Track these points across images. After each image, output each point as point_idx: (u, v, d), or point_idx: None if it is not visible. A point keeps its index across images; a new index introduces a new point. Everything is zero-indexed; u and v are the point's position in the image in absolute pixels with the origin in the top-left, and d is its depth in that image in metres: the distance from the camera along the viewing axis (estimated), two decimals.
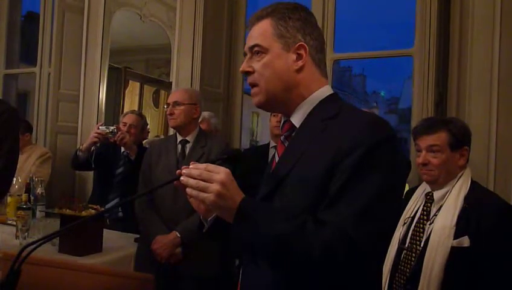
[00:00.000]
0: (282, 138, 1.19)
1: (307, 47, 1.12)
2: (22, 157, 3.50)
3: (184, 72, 3.69)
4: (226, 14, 3.88)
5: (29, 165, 3.48)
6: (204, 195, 1.00)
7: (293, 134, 1.15)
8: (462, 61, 2.85)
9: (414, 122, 3.05)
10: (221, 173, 1.01)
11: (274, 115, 2.79)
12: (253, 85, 1.15)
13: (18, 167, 3.15)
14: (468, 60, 2.80)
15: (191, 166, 1.03)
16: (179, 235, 2.36)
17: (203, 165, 1.02)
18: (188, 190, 1.02)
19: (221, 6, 3.84)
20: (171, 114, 2.50)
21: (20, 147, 3.50)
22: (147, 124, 3.52)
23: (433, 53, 2.93)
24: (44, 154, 3.63)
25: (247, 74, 1.15)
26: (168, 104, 2.54)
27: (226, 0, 3.88)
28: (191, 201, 1.11)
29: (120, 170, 3.18)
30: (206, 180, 1.00)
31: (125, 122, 3.27)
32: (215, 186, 0.99)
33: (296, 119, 1.15)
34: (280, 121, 2.80)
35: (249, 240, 1.01)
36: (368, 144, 0.98)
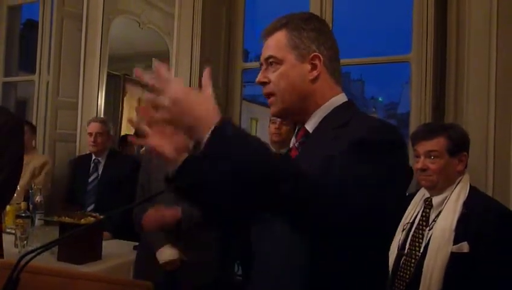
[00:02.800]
0: (296, 144, 1.20)
1: (321, 57, 1.14)
2: None
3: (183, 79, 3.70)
4: (224, 21, 3.89)
5: (27, 172, 3.47)
6: (166, 91, 0.90)
7: (306, 141, 1.17)
8: (460, 65, 2.86)
9: (412, 127, 3.05)
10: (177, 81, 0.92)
11: (273, 122, 2.80)
12: (270, 95, 1.17)
13: None
14: (466, 65, 2.81)
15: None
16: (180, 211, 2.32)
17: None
18: (146, 95, 0.93)
19: (219, 13, 3.86)
20: None
21: (26, 148, 3.54)
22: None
23: (430, 58, 2.95)
24: (44, 164, 3.62)
25: (263, 84, 1.17)
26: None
27: (224, 7, 3.89)
28: (156, 147, 1.01)
29: (92, 177, 3.31)
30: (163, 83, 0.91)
31: (90, 132, 3.32)
32: (177, 83, 0.91)
33: (310, 126, 1.16)
34: (279, 128, 2.83)
35: (228, 159, 0.87)
36: (371, 139, 0.96)
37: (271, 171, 0.86)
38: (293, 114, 1.19)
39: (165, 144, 1.02)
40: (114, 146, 5.17)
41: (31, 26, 6.80)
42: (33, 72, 4.74)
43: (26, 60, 5.52)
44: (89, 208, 3.18)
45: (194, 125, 0.89)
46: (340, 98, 1.17)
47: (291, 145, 1.23)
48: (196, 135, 0.90)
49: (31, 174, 3.46)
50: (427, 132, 1.86)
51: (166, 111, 0.89)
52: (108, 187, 3.22)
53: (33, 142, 3.90)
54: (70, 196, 3.38)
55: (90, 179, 3.32)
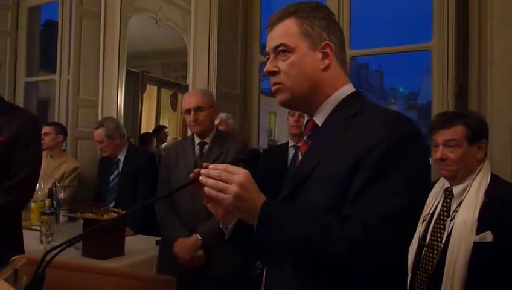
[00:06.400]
0: (305, 137, 1.19)
1: (332, 46, 1.12)
2: (51, 164, 3.60)
3: (200, 75, 3.71)
4: (241, 16, 3.88)
5: (57, 175, 3.55)
6: (223, 196, 0.99)
7: (316, 133, 1.15)
8: (482, 52, 2.79)
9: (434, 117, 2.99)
10: (240, 174, 1.00)
11: (291, 115, 2.79)
12: (277, 84, 1.14)
13: (47, 173, 3.27)
14: (489, 51, 2.74)
15: (210, 166, 1.03)
16: (200, 237, 2.36)
17: (223, 166, 1.02)
18: (206, 189, 1.01)
19: (235, 8, 3.85)
20: (195, 121, 2.42)
21: (51, 147, 3.62)
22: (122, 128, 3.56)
23: (452, 46, 2.87)
24: (74, 169, 3.70)
25: (272, 74, 1.14)
26: (188, 110, 2.44)
27: (240, 2, 3.88)
28: (208, 206, 1.12)
29: (113, 175, 3.41)
30: (225, 181, 1.00)
31: (96, 140, 3.43)
32: (233, 187, 0.99)
33: (319, 119, 1.14)
34: (297, 121, 2.82)
35: (272, 243, 1.00)
36: (390, 139, 0.97)
37: (315, 250, 0.95)
38: (300, 103, 1.17)
39: (218, 208, 1.13)
40: (133, 141, 5.27)
41: (50, 27, 6.91)
42: (54, 71, 4.81)
43: (46, 60, 5.62)
44: (111, 205, 3.24)
45: (244, 215, 1.04)
46: (348, 89, 1.15)
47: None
48: (247, 219, 1.04)
49: (60, 177, 3.54)
50: (444, 121, 1.82)
51: (228, 203, 1.00)
52: (128, 182, 3.32)
53: (64, 144, 3.98)
54: (97, 195, 3.47)
55: (111, 177, 3.42)
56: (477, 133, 1.77)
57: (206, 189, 1.02)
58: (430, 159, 1.96)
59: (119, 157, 3.42)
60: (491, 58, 2.71)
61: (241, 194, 0.99)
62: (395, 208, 0.94)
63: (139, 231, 3.01)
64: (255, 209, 1.00)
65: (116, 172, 3.41)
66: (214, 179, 1.01)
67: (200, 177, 1.03)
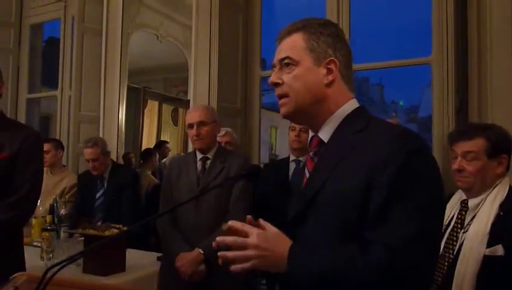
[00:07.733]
0: (311, 154, 1.18)
1: (337, 62, 1.13)
2: (52, 180, 3.60)
3: (201, 90, 3.72)
4: (241, 31, 3.91)
5: (58, 190, 3.55)
6: (248, 264, 1.01)
7: (322, 149, 1.15)
8: (482, 66, 2.80)
9: (435, 130, 3.00)
10: (253, 234, 1.02)
11: (292, 129, 2.79)
12: (282, 96, 1.15)
13: (47, 189, 3.26)
14: (488, 65, 2.75)
15: (218, 239, 1.04)
16: (202, 252, 2.35)
17: (233, 238, 1.03)
18: (233, 267, 1.03)
19: (236, 23, 3.88)
20: (198, 135, 2.44)
21: (52, 164, 3.62)
22: (107, 147, 3.57)
23: (452, 60, 2.89)
24: (75, 185, 3.69)
25: (276, 85, 1.16)
26: (191, 125, 2.45)
27: (240, 17, 3.91)
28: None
29: (100, 193, 3.44)
30: (242, 247, 1.02)
31: (87, 159, 3.44)
32: (251, 252, 1.01)
33: (324, 135, 1.14)
34: (298, 135, 2.81)
35: (302, 284, 1.00)
36: (401, 155, 0.98)
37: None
38: (304, 117, 1.17)
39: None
40: (133, 157, 5.25)
41: (52, 44, 6.96)
42: (55, 88, 4.84)
43: (48, 76, 5.66)
44: (98, 223, 3.23)
45: (271, 268, 1.03)
46: (353, 104, 1.16)
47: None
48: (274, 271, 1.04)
49: (61, 193, 3.54)
50: (465, 133, 1.80)
51: (254, 267, 1.02)
52: (114, 200, 3.36)
53: (62, 159, 3.99)
54: (79, 209, 3.46)
55: (98, 195, 3.44)
56: (498, 147, 1.74)
57: (232, 268, 1.03)
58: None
59: (104, 175, 3.45)
60: (491, 72, 2.72)
61: (261, 254, 1.01)
62: (417, 228, 0.95)
63: (133, 245, 2.99)
64: (281, 259, 1.01)
65: (102, 190, 3.43)
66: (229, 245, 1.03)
67: (219, 253, 1.05)
